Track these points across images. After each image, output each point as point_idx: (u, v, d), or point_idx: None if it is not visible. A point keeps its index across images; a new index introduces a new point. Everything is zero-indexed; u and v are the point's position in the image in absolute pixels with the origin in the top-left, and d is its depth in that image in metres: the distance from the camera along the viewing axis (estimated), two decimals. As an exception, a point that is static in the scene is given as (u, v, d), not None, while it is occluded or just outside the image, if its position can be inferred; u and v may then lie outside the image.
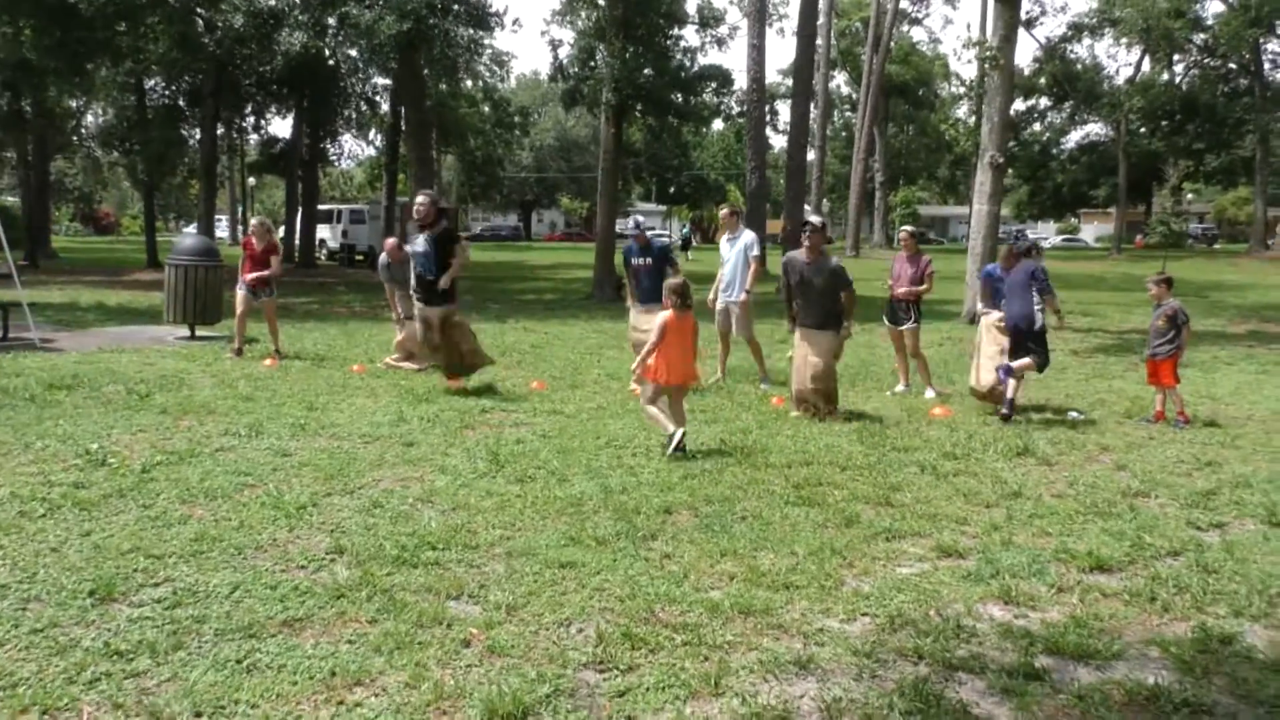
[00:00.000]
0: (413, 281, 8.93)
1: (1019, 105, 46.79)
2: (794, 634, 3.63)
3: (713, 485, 5.68)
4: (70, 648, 3.34)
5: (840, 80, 62.14)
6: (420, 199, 8.65)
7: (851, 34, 57.01)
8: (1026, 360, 7.95)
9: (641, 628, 3.60)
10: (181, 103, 30.20)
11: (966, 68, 62.36)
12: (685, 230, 53.06)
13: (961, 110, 64.41)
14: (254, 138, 37.52)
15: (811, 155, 39.83)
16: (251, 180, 55.39)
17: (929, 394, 9.04)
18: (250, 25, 22.24)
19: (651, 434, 7.06)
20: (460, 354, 8.90)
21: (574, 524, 4.86)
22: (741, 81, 26.19)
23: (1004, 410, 7.83)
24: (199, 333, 12.34)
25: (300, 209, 33.82)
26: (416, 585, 3.99)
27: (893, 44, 49.30)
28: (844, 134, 64.83)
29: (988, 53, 15.84)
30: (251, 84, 29.55)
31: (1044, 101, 50.39)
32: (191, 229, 55.49)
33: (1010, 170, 48.08)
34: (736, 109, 29.32)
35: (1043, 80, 47.64)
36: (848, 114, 64.17)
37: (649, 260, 8.97)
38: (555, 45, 25.00)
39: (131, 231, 68.44)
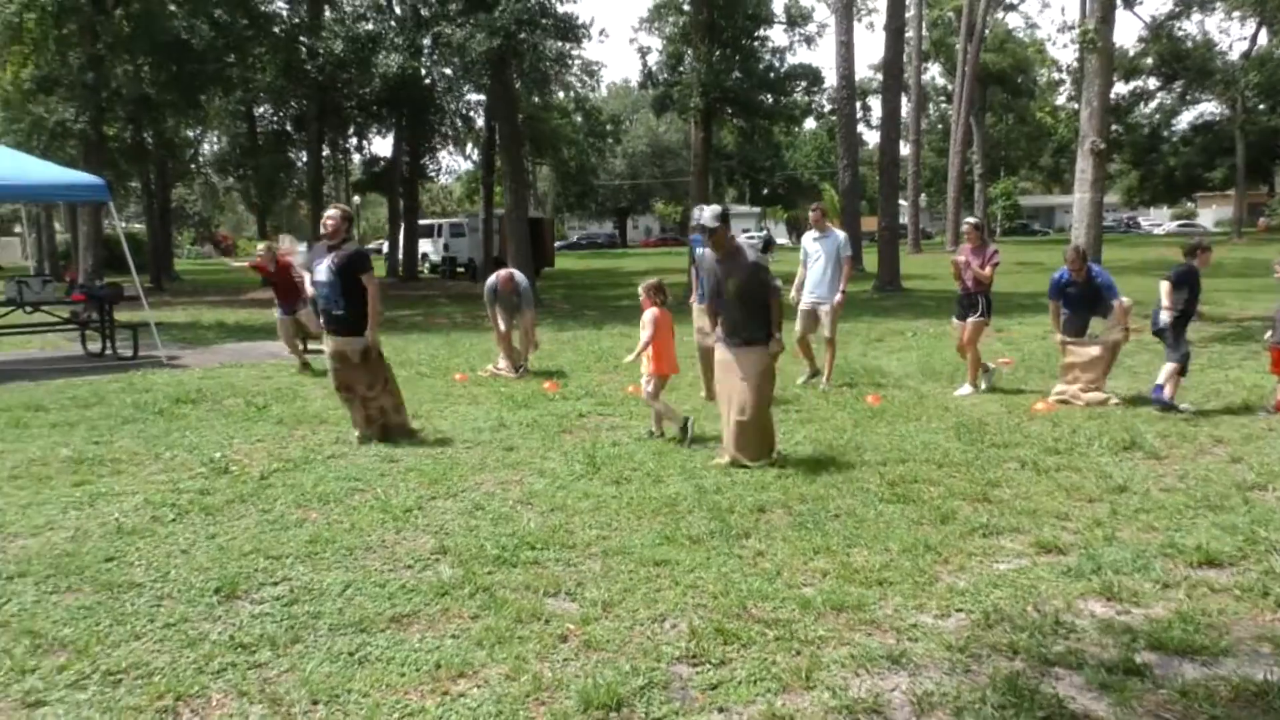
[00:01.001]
0: (320, 314, 7.42)
1: (1122, 88, 45.07)
2: (886, 629, 3.64)
3: (806, 484, 5.70)
4: (199, 640, 3.59)
5: (934, 72, 60.94)
6: (330, 212, 7.14)
7: (944, 24, 55.77)
8: (1172, 367, 7.87)
9: (734, 623, 3.67)
10: (289, 127, 31.51)
11: (1064, 52, 60.44)
12: (765, 232, 52.67)
13: (1062, 96, 62.43)
14: (357, 157, 38.82)
15: (906, 149, 39.16)
16: (356, 199, 57.23)
17: (963, 391, 8.85)
18: (350, 50, 23.07)
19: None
20: (369, 410, 7.08)
21: (669, 523, 4.95)
22: (831, 79, 25.98)
23: (1166, 406, 7.75)
24: (311, 346, 12.86)
25: (402, 224, 34.84)
26: (516, 583, 4.14)
27: (987, 31, 48.08)
28: (940, 126, 63.52)
29: (1085, 35, 15.36)
30: (353, 106, 30.62)
31: (1151, 82, 48.42)
32: (302, 248, 57.71)
33: (1115, 156, 46.32)
34: (827, 107, 29.06)
35: (1149, 60, 45.79)
36: (943, 106, 62.87)
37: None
38: (644, 52, 25.25)
39: (247, 253, 71.47)
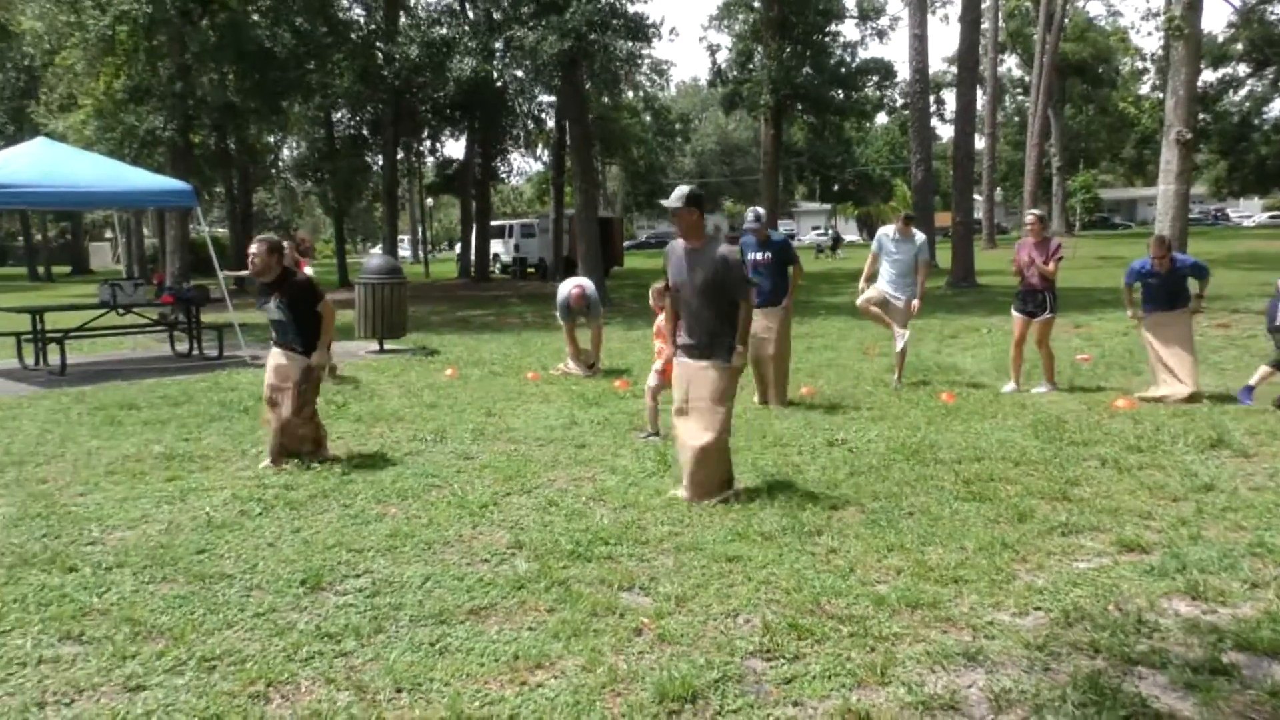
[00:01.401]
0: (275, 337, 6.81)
1: (1210, 75, 43.55)
2: (962, 627, 3.61)
3: (879, 482, 5.67)
4: (287, 630, 3.72)
5: (1011, 63, 59.63)
6: (253, 249, 6.55)
7: (1021, 14, 54.54)
8: (1265, 370, 7.76)
9: (807, 619, 3.68)
10: (365, 132, 32.17)
11: (1148, 40, 58.57)
12: (832, 230, 52.01)
13: (1146, 85, 60.53)
14: (430, 160, 39.45)
15: (981, 143, 38.38)
16: (429, 201, 58.25)
17: (1041, 389, 8.63)
18: (425, 55, 23.49)
19: (818, 432, 7.10)
20: (285, 439, 6.53)
21: (740, 520, 4.97)
22: (904, 73, 25.59)
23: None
24: (387, 346, 13.16)
25: (474, 225, 35.33)
26: (590, 578, 4.20)
27: (1067, 21, 46.87)
28: (1016, 119, 62.11)
29: (1172, 22, 14.91)
30: (427, 110, 31.14)
31: (1241, 69, 46.70)
32: (376, 250, 58.92)
33: (1202, 146, 44.78)
34: (900, 101, 28.66)
35: (1238, 46, 44.17)
36: (1020, 97, 61.48)
37: (768, 255, 8.20)
38: (713, 50, 25.21)
39: (324, 255, 73.19)
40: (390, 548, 4.69)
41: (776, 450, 6.59)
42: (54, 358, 11.65)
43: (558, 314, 10.64)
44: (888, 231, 9.30)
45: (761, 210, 8.38)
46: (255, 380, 10.44)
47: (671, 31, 53.55)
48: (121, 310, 12.72)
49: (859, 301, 9.36)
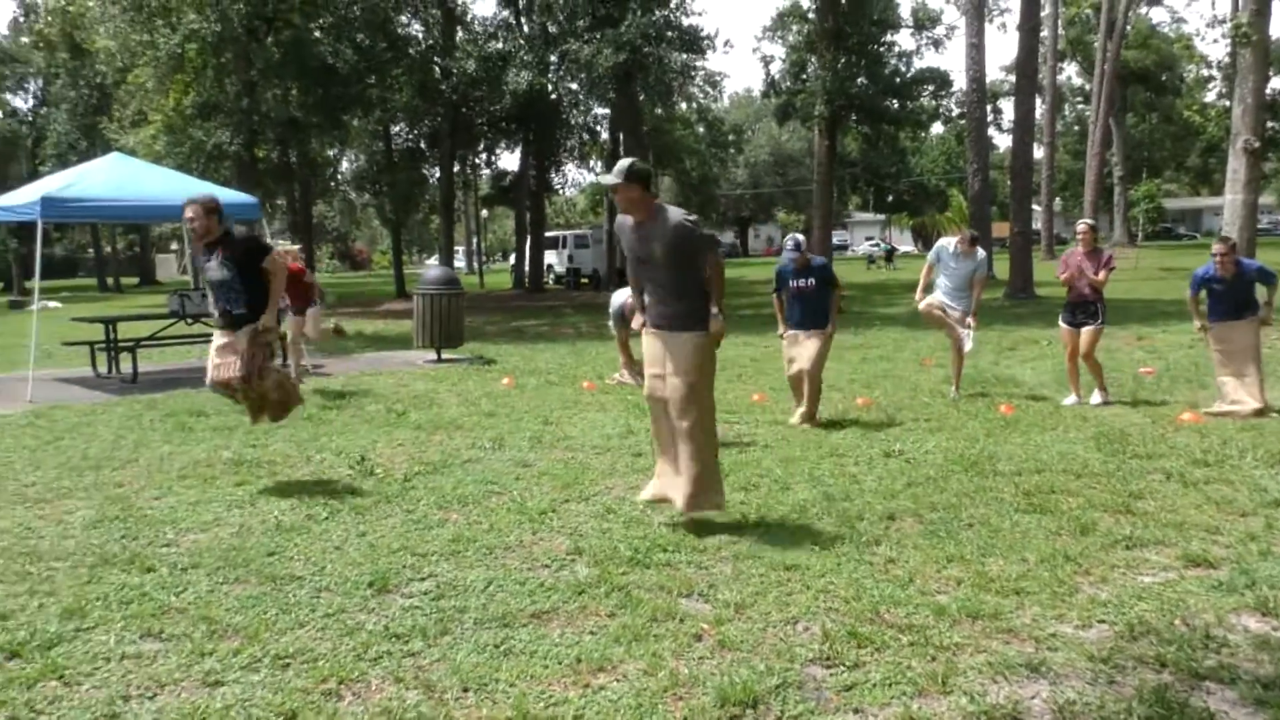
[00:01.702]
0: (215, 314, 6.50)
1: (1278, 83, 42.42)
2: (1025, 638, 3.60)
3: (938, 493, 5.64)
4: (356, 630, 3.82)
5: (1070, 71, 58.75)
6: (188, 213, 6.14)
7: (1081, 21, 53.71)
8: None
9: (867, 627, 3.69)
10: (422, 145, 32.71)
11: (1214, 47, 57.28)
12: (885, 245, 51.46)
13: (1211, 93, 59.17)
14: (485, 172, 39.94)
15: (1040, 152, 37.82)
16: (484, 212, 59.00)
17: (1095, 400, 8.47)
18: (481, 69, 23.87)
19: (875, 443, 7.09)
20: (250, 398, 6.42)
21: (798, 529, 4.99)
22: (961, 82, 25.36)
23: None
24: (445, 355, 13.36)
25: (529, 236, 35.69)
26: (650, 584, 4.25)
27: (1129, 28, 46.05)
28: (1076, 128, 61.12)
29: (1239, 29, 14.61)
30: (483, 123, 31.58)
31: (1312, 75, 45.38)
32: (432, 261, 59.72)
33: (1271, 154, 43.64)
34: (956, 110, 28.39)
35: (1309, 52, 42.99)
36: (1080, 106, 60.48)
37: (810, 281, 7.97)
38: (767, 61, 25.22)
39: (381, 266, 74.38)
40: (453, 552, 4.79)
41: (833, 460, 6.59)
42: (126, 366, 12.01)
43: (611, 323, 10.74)
44: (948, 245, 9.21)
45: (801, 238, 8.20)
46: (317, 387, 10.69)
47: (726, 43, 53.53)
48: (190, 320, 13.08)
49: (921, 306, 9.31)
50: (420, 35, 28.33)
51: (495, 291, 35.89)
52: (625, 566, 4.49)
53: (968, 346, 9.05)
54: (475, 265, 49.41)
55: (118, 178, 12.11)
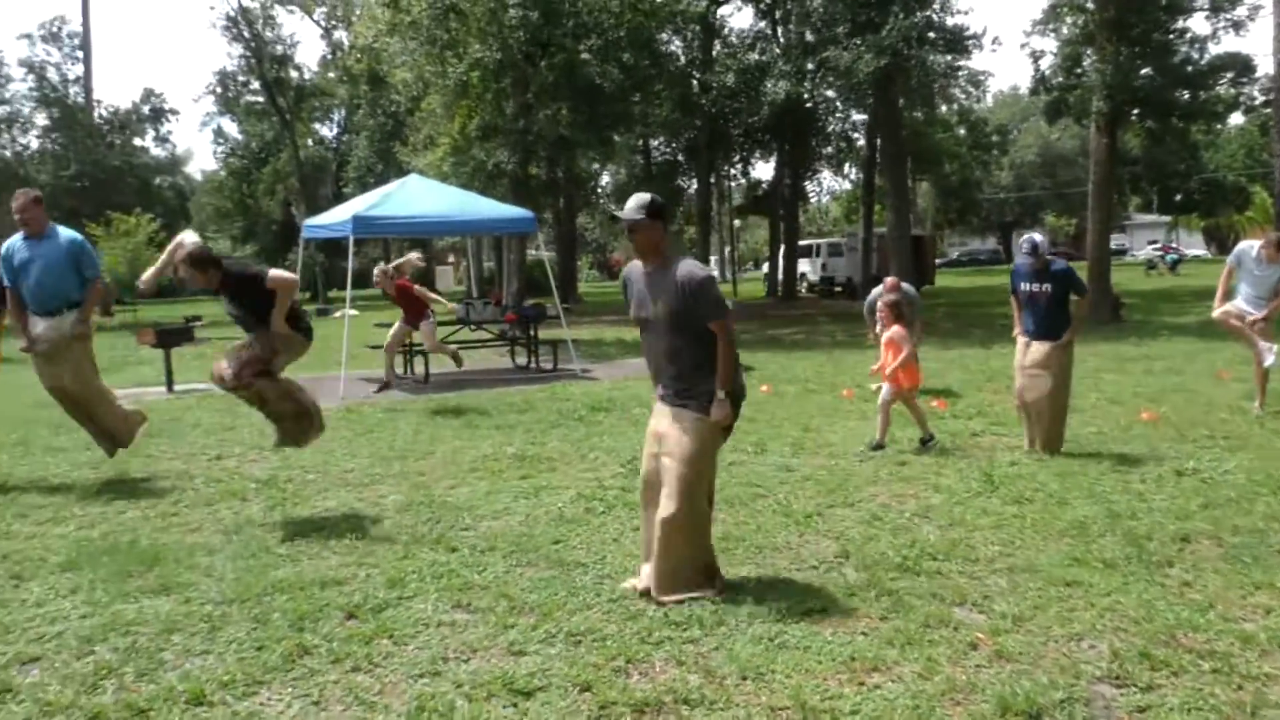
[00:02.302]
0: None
1: None
2: (1348, 676, 3.30)
3: (1240, 516, 5.22)
4: (639, 615, 4.09)
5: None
6: (182, 273, 6.01)
7: None
8: None
9: (1161, 650, 3.52)
10: (680, 157, 33.64)
11: None
12: (1174, 254, 46.77)
13: None
14: (740, 182, 40.42)
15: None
16: (737, 222, 59.68)
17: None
18: (740, 81, 24.28)
19: (1165, 460, 6.65)
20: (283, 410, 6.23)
21: (1077, 545, 4.79)
22: (1266, 66, 22.86)
23: None
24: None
25: (782, 245, 35.77)
26: (921, 591, 4.25)
27: None
28: None
29: None
30: (740, 134, 32.04)
31: None
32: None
33: None
34: (1260, 98, 25.62)
35: None
36: None
37: (1046, 287, 7.14)
38: (1036, 57, 23.82)
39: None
40: (722, 549, 4.97)
41: (1116, 476, 6.23)
42: (419, 368, 13.23)
43: (864, 311, 10.84)
44: (1250, 249, 8.39)
45: (1038, 238, 7.28)
46: (588, 392, 11.32)
47: (994, 41, 50.91)
48: (474, 326, 14.22)
49: (1216, 314, 8.58)
50: (680, 51, 29.18)
51: (748, 300, 36.19)
52: (894, 572, 4.50)
53: (1268, 361, 8.24)
54: (728, 274, 50.07)
55: (414, 197, 13.40)
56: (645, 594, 4.28)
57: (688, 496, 4.26)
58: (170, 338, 13.06)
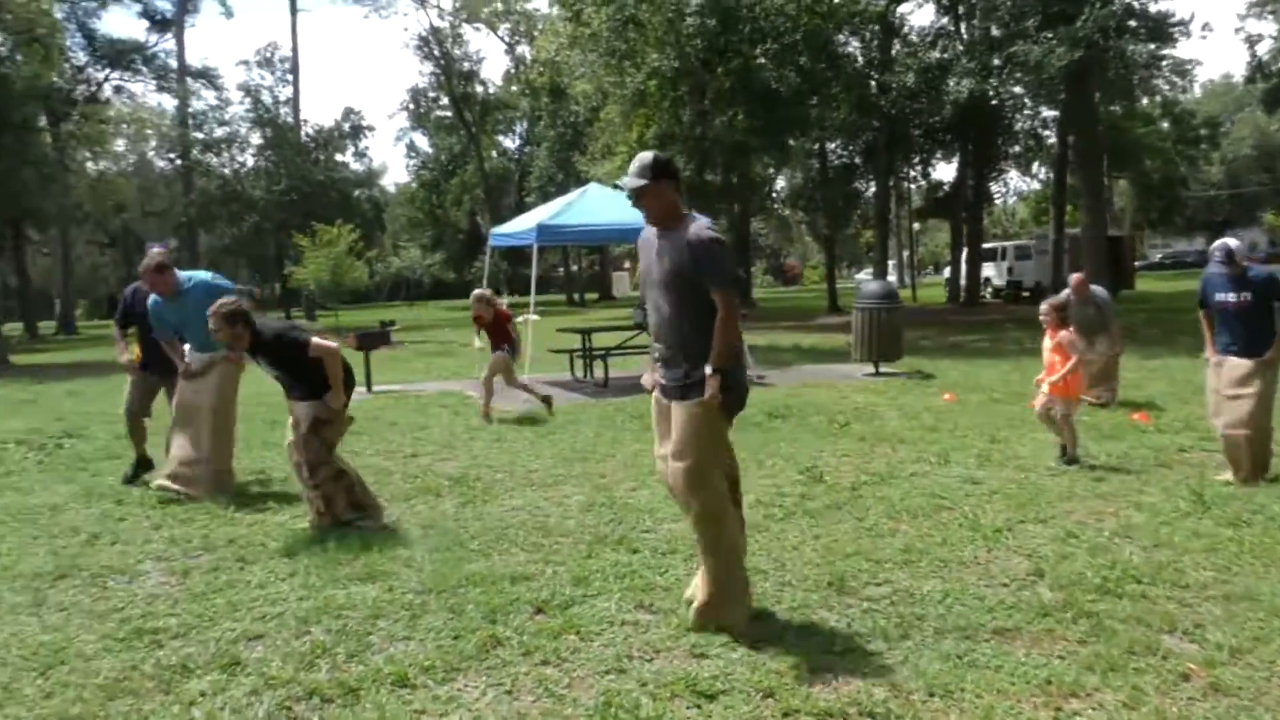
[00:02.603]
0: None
1: None
2: None
3: None
4: (819, 624, 4.07)
5: None
6: (211, 325, 5.71)
7: None
8: None
9: (1404, 693, 3.20)
10: (857, 160, 33.00)
11: None
12: None
13: None
14: (920, 184, 39.26)
15: None
16: (916, 225, 57.97)
17: None
18: (920, 80, 23.60)
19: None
20: (313, 495, 5.81)
21: (1305, 574, 4.41)
22: None
23: None
24: (882, 369, 13.41)
25: (964, 248, 34.48)
26: (1123, 615, 4.02)
27: None
28: None
29: None
30: (920, 134, 31.13)
31: None
32: (862, 275, 59.84)
33: None
34: None
35: None
36: None
37: (1246, 296, 6.39)
38: (1253, 42, 22.08)
39: (812, 281, 75.93)
40: (906, 561, 4.87)
41: None
42: (598, 372, 13.55)
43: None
44: None
45: (1233, 243, 6.55)
46: (763, 397, 11.27)
47: (1204, 27, 47.27)
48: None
49: None
50: (858, 52, 28.66)
51: (929, 305, 35.09)
52: (1093, 594, 4.28)
53: None
54: (907, 279, 48.74)
55: (595, 205, 13.74)
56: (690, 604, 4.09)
57: (708, 493, 3.93)
58: (369, 340, 13.90)
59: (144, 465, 7.56)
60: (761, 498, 6.32)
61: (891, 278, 58.54)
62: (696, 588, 4.12)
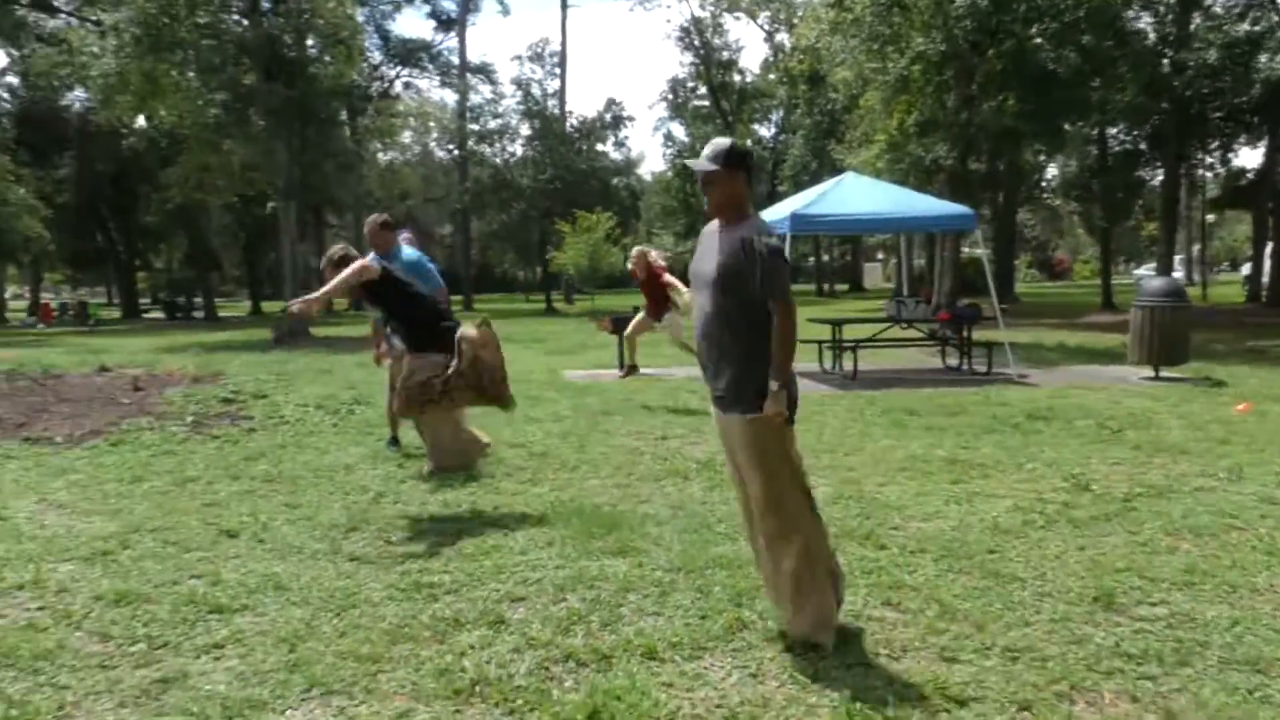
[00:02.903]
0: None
1: None
2: None
3: None
4: (1084, 641, 3.81)
5: None
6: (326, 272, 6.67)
7: None
8: None
9: None
10: (1142, 146, 30.32)
11: None
12: None
13: None
14: (1218, 172, 35.52)
15: None
16: (1210, 216, 52.51)
17: None
18: (1224, 57, 21.30)
19: None
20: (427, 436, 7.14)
21: None
22: None
23: None
24: (1164, 373, 12.32)
25: (1269, 243, 30.87)
26: None
27: None
28: None
29: None
30: (1221, 116, 28.14)
31: None
32: (1142, 270, 54.98)
33: None
34: None
35: None
36: None
37: None
38: None
39: (1082, 276, 70.72)
40: (1187, 583, 4.47)
41: None
42: (847, 364, 13.32)
43: None
44: None
45: None
46: (1023, 397, 10.67)
47: None
48: (904, 325, 14.00)
49: None
50: (1149, 28, 26.28)
51: (1223, 305, 31.76)
52: None
53: None
54: (1197, 275, 44.31)
55: (850, 194, 13.50)
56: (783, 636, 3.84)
57: (788, 507, 3.70)
58: (623, 325, 14.37)
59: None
60: (1020, 503, 6.01)
61: (1178, 274, 53.54)
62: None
